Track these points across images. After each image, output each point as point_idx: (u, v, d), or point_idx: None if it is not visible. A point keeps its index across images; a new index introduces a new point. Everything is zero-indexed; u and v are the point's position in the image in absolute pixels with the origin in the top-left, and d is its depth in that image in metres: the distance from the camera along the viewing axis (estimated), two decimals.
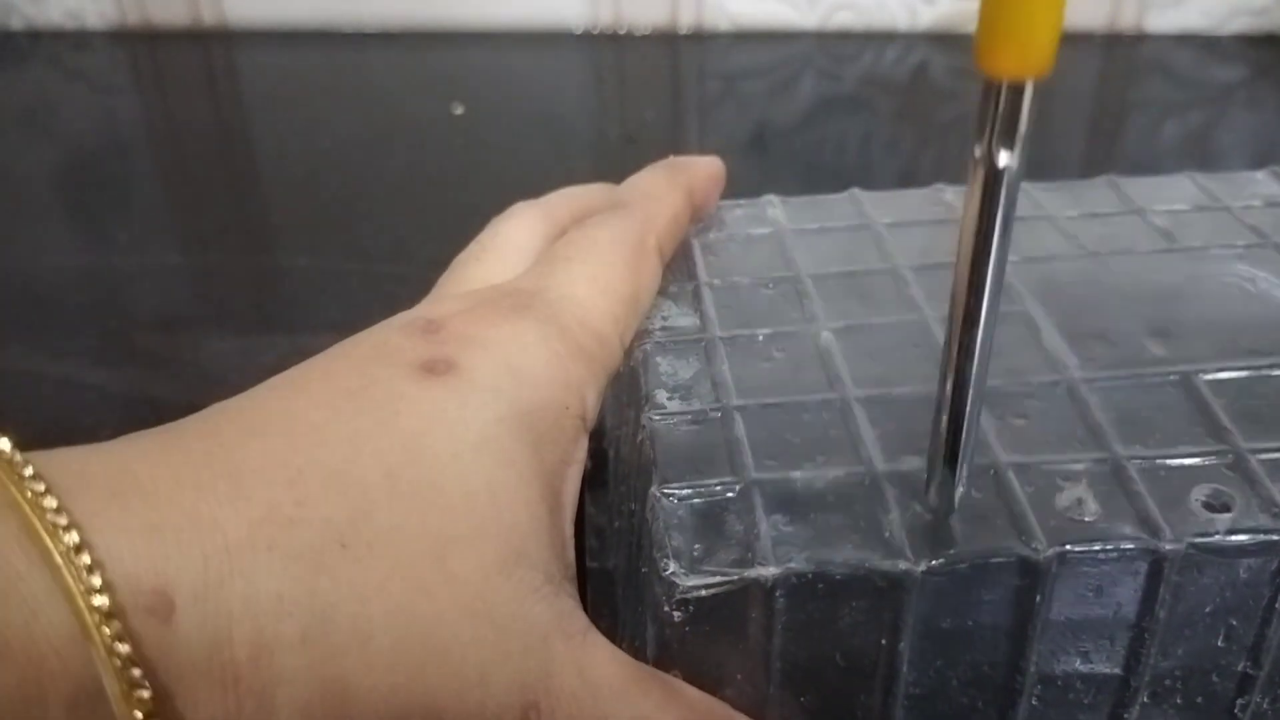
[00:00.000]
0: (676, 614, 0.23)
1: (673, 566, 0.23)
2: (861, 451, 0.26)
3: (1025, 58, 0.19)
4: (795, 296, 0.31)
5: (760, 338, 0.29)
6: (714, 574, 0.23)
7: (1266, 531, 0.24)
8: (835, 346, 0.29)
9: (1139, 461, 0.25)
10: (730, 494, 0.25)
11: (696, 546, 0.24)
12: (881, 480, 0.25)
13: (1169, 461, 0.25)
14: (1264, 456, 0.25)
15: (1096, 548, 0.24)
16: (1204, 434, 0.26)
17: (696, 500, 0.25)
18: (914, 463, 0.25)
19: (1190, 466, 0.25)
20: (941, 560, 0.23)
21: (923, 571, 0.23)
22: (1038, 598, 0.24)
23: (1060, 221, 0.34)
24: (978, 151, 0.20)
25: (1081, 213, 0.34)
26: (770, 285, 0.31)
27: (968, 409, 0.23)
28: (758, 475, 0.25)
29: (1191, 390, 0.27)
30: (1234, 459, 0.25)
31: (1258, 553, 0.24)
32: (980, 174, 0.20)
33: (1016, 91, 0.19)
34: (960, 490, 0.24)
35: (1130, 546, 0.24)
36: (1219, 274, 0.31)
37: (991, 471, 0.25)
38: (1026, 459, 0.25)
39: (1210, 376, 0.27)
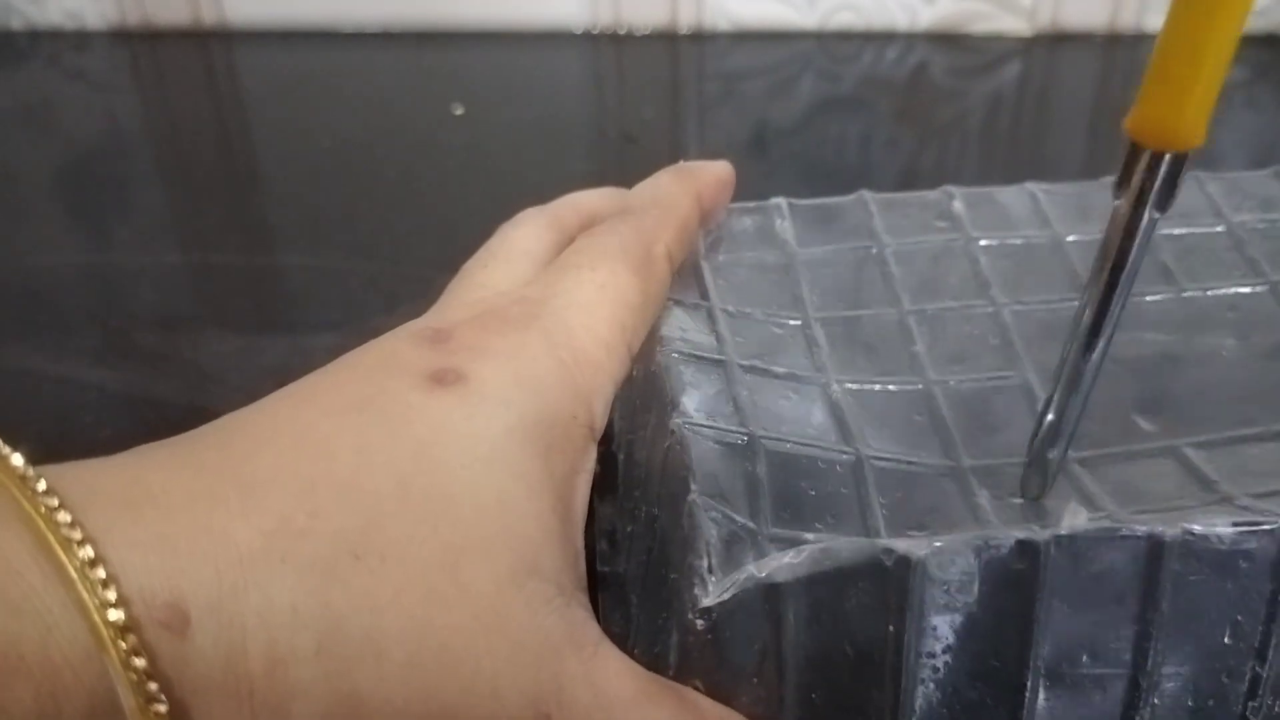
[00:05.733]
0: (700, 622, 0.24)
1: (709, 573, 0.24)
2: (869, 522, 0.26)
3: (1194, 132, 0.22)
4: (805, 343, 0.31)
5: (776, 373, 0.30)
6: (740, 578, 0.24)
7: (1260, 522, 0.24)
8: (845, 402, 0.29)
9: (1137, 514, 0.26)
10: (751, 524, 0.25)
11: (728, 555, 0.24)
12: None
13: (1165, 510, 0.26)
14: (1258, 498, 0.26)
15: (1094, 527, 0.24)
16: (1198, 489, 0.27)
17: (723, 518, 0.25)
18: (918, 539, 0.25)
19: (1185, 509, 0.26)
20: (943, 543, 0.24)
21: (929, 553, 0.24)
22: (1039, 581, 0.24)
23: (1065, 248, 0.34)
24: (1125, 207, 0.23)
25: (1082, 236, 0.34)
26: (780, 326, 0.32)
27: (1074, 414, 0.25)
28: (774, 530, 0.25)
29: (1182, 460, 0.28)
30: (1224, 500, 0.26)
31: (1255, 540, 0.24)
32: (1129, 225, 0.23)
33: (1177, 161, 0.22)
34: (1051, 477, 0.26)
35: (1127, 533, 0.24)
36: (1209, 334, 0.32)
37: None
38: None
39: (1198, 449, 0.28)
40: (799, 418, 0.28)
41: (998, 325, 0.31)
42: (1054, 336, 0.31)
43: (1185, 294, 0.32)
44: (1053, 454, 0.26)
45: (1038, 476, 0.26)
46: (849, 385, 0.30)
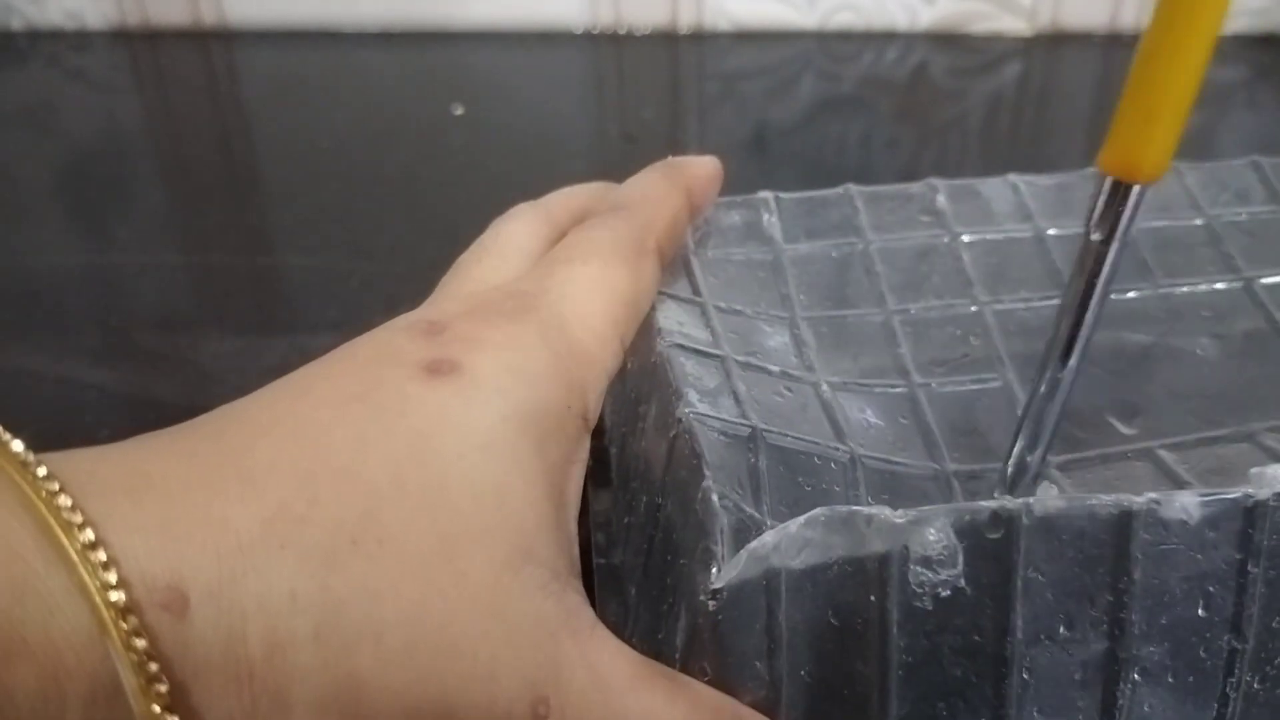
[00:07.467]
0: (712, 604, 0.24)
1: (723, 560, 0.24)
2: None
3: (1159, 165, 0.24)
4: (793, 342, 0.31)
5: (770, 370, 0.30)
6: (744, 557, 0.24)
7: (1224, 494, 0.25)
8: (836, 403, 0.30)
9: None
10: (756, 514, 0.25)
11: (737, 543, 0.24)
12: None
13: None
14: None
15: (1064, 500, 0.25)
16: (1169, 487, 0.27)
17: (734, 506, 0.25)
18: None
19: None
20: (918, 513, 0.24)
21: (907, 521, 0.24)
22: (1016, 549, 0.24)
23: (1046, 242, 0.34)
24: (1097, 235, 0.25)
25: (1063, 230, 0.34)
26: (769, 324, 0.32)
27: (1050, 423, 0.27)
28: (775, 523, 0.25)
29: (1156, 462, 0.28)
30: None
31: (1219, 507, 0.25)
32: (1096, 252, 0.25)
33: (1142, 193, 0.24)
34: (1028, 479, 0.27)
35: (1095, 502, 0.24)
36: (1184, 332, 0.32)
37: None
38: None
39: (1171, 451, 0.29)
40: (794, 414, 0.29)
41: (980, 326, 0.32)
42: (1035, 336, 0.32)
43: (1162, 290, 0.33)
44: (1031, 458, 0.27)
45: (1015, 484, 0.27)
46: (837, 385, 0.30)
